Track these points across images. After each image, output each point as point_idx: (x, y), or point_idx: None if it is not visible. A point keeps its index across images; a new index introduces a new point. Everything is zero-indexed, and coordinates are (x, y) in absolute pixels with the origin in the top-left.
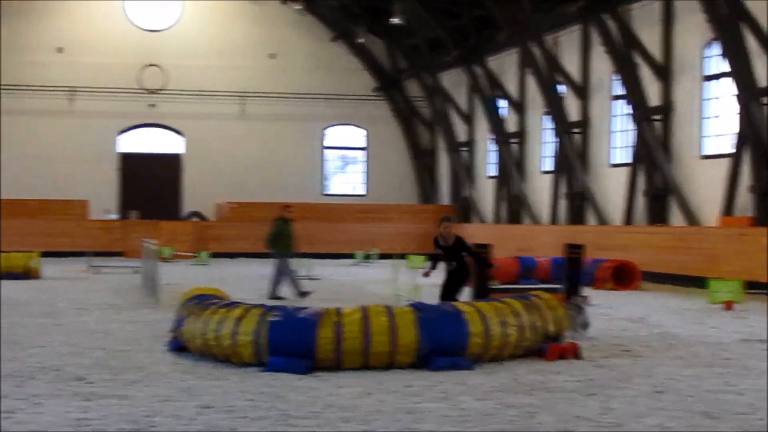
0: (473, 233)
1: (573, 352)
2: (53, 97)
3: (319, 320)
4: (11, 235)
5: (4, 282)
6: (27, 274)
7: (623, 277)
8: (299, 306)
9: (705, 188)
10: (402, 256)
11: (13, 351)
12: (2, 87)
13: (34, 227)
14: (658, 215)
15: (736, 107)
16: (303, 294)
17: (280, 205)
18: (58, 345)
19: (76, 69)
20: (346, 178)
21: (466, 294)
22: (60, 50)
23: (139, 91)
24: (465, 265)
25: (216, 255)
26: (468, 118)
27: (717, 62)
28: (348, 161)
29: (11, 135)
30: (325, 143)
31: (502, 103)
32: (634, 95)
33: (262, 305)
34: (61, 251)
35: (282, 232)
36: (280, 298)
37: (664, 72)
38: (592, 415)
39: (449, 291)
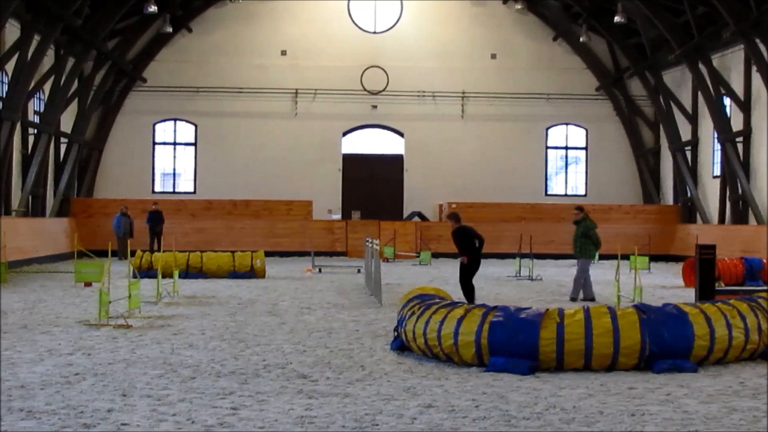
0: (697, 234)
1: None
2: (278, 99)
3: (541, 321)
4: (238, 234)
5: (230, 281)
6: (253, 273)
7: None
8: (521, 306)
9: None
10: (624, 257)
11: (239, 349)
12: (229, 89)
13: (260, 227)
14: None
15: None
16: (574, 299)
17: (573, 207)
18: (282, 343)
19: (299, 71)
20: (567, 178)
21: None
22: (284, 53)
23: (361, 92)
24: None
25: (437, 255)
26: (692, 117)
27: None
28: (569, 161)
29: (238, 137)
30: (547, 143)
31: (727, 101)
32: None
33: (483, 305)
34: (286, 251)
35: (576, 234)
36: (592, 299)
37: None
38: None
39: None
